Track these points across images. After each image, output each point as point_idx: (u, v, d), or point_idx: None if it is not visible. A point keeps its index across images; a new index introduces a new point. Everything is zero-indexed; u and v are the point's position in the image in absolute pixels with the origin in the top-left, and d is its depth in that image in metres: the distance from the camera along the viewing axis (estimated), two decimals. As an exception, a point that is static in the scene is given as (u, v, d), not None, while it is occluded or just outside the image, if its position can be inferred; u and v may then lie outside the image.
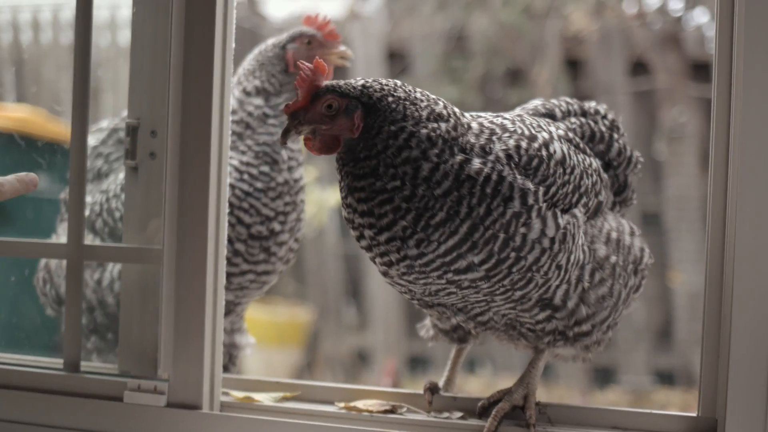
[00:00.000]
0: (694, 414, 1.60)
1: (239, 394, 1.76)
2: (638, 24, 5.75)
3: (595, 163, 1.67)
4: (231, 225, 1.90)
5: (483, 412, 1.67)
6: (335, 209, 5.55)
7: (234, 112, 1.97)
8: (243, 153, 1.95)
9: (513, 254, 1.49)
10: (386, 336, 5.76)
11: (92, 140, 2.25)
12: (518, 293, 1.54)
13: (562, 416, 1.66)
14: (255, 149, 1.96)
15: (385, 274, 1.57)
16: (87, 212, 2.07)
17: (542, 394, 1.75)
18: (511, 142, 1.54)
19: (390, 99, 1.49)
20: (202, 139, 1.71)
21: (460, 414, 1.68)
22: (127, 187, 1.80)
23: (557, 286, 1.56)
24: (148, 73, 1.77)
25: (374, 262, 1.57)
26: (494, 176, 1.49)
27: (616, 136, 1.75)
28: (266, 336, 5.34)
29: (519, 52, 5.67)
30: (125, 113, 2.12)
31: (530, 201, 1.50)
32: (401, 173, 1.46)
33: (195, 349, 1.70)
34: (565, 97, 1.82)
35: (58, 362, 1.84)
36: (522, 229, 1.49)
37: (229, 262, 1.91)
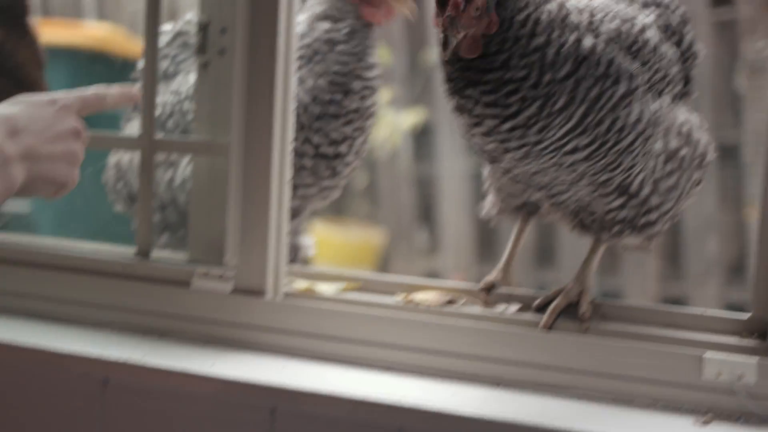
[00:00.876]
0: (747, 314, 1.62)
1: (302, 284, 1.82)
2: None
3: (676, 53, 1.68)
4: (300, 141, 1.94)
5: (539, 309, 1.70)
6: (409, 132, 5.58)
7: (304, 36, 1.99)
8: (318, 76, 1.98)
9: (614, 137, 1.52)
10: (457, 260, 5.80)
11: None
12: (605, 176, 1.56)
13: (616, 314, 1.68)
14: (329, 77, 1.97)
15: (494, 160, 1.59)
16: (158, 111, 2.13)
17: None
18: (613, 25, 1.55)
19: None
20: (269, 36, 1.75)
21: (517, 307, 1.71)
22: (198, 82, 1.85)
23: (638, 173, 1.58)
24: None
25: (482, 150, 1.60)
26: (605, 57, 1.51)
27: (687, 28, 1.74)
28: (339, 256, 5.42)
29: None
30: (189, 16, 2.17)
31: (634, 84, 1.53)
32: (530, 63, 1.48)
33: (260, 238, 1.76)
34: None
35: (129, 251, 1.92)
36: (625, 112, 1.52)
37: (297, 174, 1.96)
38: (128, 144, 1.96)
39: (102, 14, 6.39)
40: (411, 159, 5.89)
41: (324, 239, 2.22)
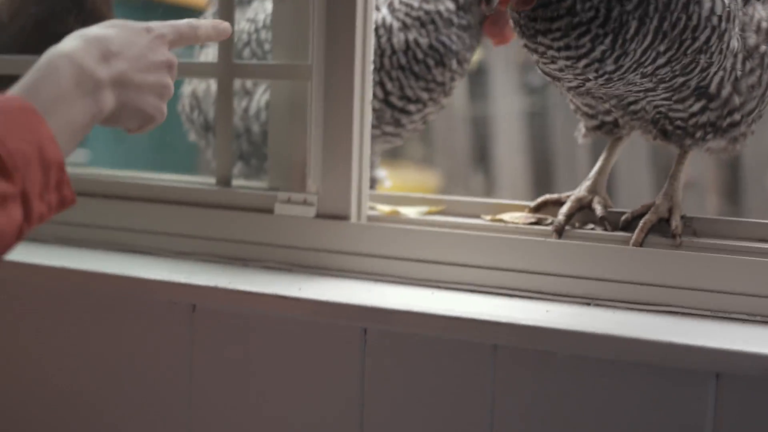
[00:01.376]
0: None
1: (386, 208, 1.80)
2: None
3: None
4: (375, 82, 1.93)
5: (627, 225, 1.67)
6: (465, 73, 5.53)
7: (426, 0, 1.99)
8: (420, 35, 1.98)
9: (689, 34, 1.48)
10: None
11: None
12: (681, 79, 1.53)
13: (708, 229, 1.65)
14: (432, 42, 1.97)
15: (575, 87, 1.57)
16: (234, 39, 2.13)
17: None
18: None
19: None
20: (348, -44, 1.72)
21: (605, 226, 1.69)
22: (275, 4, 1.83)
23: (715, 73, 1.55)
24: None
25: (557, 79, 1.58)
26: None
27: None
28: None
29: None
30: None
31: None
32: (597, 3, 1.45)
33: (343, 162, 1.74)
34: None
35: (210, 180, 1.92)
36: (696, 7, 1.48)
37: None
38: (206, 71, 1.95)
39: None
40: (466, 99, 5.84)
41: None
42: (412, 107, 2.02)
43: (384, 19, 1.98)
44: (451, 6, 2.00)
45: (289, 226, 1.77)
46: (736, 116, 1.62)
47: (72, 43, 1.19)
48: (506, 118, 5.72)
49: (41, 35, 2.25)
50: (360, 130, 1.74)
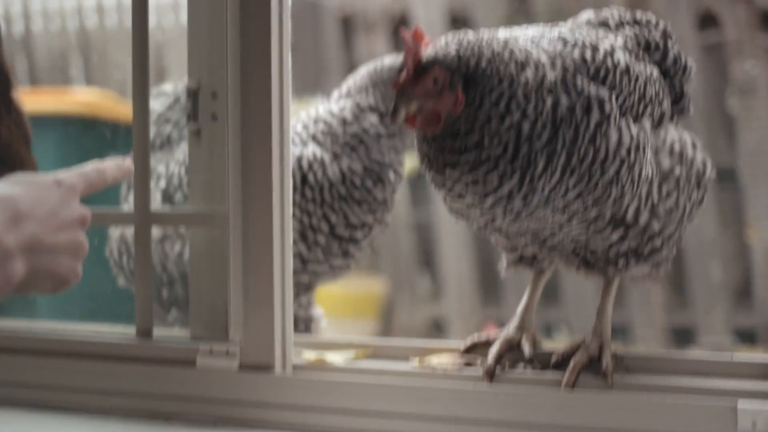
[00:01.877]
0: (777, 358, 1.56)
1: (312, 355, 1.75)
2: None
3: (656, 71, 1.63)
4: (317, 217, 1.91)
5: (558, 366, 1.63)
6: (405, 180, 5.53)
7: (349, 124, 1.99)
8: (352, 161, 1.96)
9: (598, 167, 1.47)
10: (461, 304, 5.73)
11: (157, 105, 2.25)
12: (594, 211, 1.51)
13: (640, 365, 1.62)
14: (365, 164, 1.96)
15: (484, 225, 1.55)
16: (164, 183, 2.08)
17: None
18: (576, 54, 1.50)
19: (484, 63, 1.44)
20: (262, 98, 1.69)
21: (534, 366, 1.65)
22: (191, 150, 1.79)
23: (630, 202, 1.53)
24: (207, 34, 1.75)
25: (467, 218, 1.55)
26: (574, 90, 1.46)
27: (670, 43, 1.69)
28: (341, 308, 5.35)
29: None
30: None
31: (607, 108, 1.47)
32: (505, 140, 1.43)
33: (265, 310, 1.69)
34: (615, 6, 1.78)
35: (130, 331, 1.85)
36: (603, 140, 1.46)
37: (309, 249, 1.93)
38: (123, 219, 1.90)
39: (90, 81, 6.35)
40: (408, 205, 5.83)
41: (325, 291, 2.18)
42: (359, 234, 1.99)
43: (314, 154, 1.95)
44: (374, 119, 1.98)
45: (212, 379, 1.71)
46: (657, 242, 1.61)
47: None
48: (450, 222, 5.70)
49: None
50: (282, 277, 1.70)
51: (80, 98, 4.91)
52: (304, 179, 1.94)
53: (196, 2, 1.76)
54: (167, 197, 2.03)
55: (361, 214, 1.97)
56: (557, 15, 5.74)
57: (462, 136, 1.44)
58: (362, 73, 2.08)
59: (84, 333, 1.91)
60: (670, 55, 1.69)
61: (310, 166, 1.94)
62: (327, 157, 1.96)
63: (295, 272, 1.94)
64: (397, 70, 1.45)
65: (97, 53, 6.54)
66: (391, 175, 2.00)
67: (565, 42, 1.53)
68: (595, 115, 1.46)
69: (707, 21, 5.62)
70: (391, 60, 2.06)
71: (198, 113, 1.76)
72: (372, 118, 2.00)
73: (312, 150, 1.96)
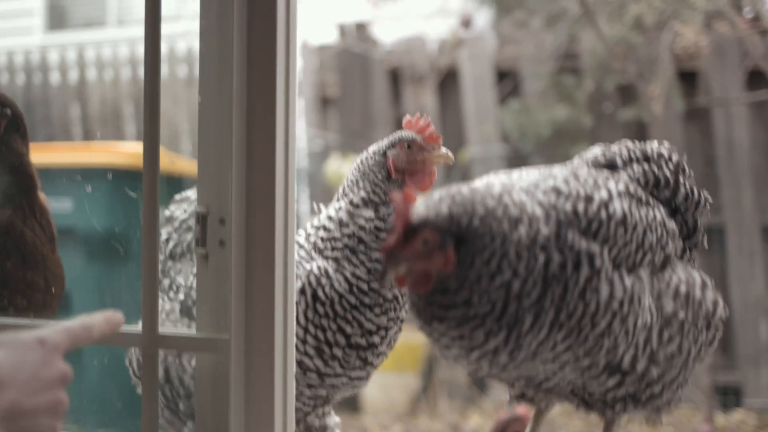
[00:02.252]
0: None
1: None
2: (753, 32, 5.57)
3: (660, 214, 1.61)
4: (332, 331, 1.90)
5: None
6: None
7: (345, 225, 1.97)
8: (355, 266, 1.94)
9: (588, 321, 1.46)
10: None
11: (179, 212, 2.28)
12: (587, 361, 1.50)
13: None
14: (368, 265, 1.94)
15: (474, 371, 1.56)
16: (182, 296, 2.10)
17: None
18: (568, 207, 1.50)
19: (476, 222, 1.45)
20: (267, 227, 1.71)
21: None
22: (199, 274, 1.81)
23: (625, 351, 1.52)
24: (216, 161, 1.78)
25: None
26: (569, 256, 1.46)
27: (682, 179, 1.67)
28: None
29: (630, 68, 5.55)
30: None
31: (597, 263, 1.47)
32: (494, 298, 1.43)
33: (266, 438, 1.70)
34: (627, 141, 1.77)
35: (139, 447, 1.87)
36: (594, 295, 1.46)
37: (326, 363, 1.92)
38: (131, 341, 1.92)
39: (140, 132, 6.44)
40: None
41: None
42: (376, 339, 1.97)
43: (320, 268, 1.95)
44: (369, 213, 1.96)
45: (212, 504, 1.72)
46: (656, 388, 1.59)
47: None
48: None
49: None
50: (283, 408, 1.71)
51: (129, 151, 4.99)
52: (314, 296, 1.93)
53: (205, 131, 1.78)
54: (185, 310, 2.05)
55: (375, 318, 1.95)
56: (604, 71, 5.73)
57: (451, 292, 1.45)
58: (351, 169, 2.08)
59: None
60: (681, 192, 1.68)
61: (318, 281, 1.93)
62: (330, 268, 1.95)
63: (312, 386, 1.95)
64: (388, 232, 1.46)
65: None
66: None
67: (559, 193, 1.53)
68: (585, 271, 1.46)
69: (756, 78, 5.56)
70: (374, 147, 2.05)
71: (206, 239, 1.78)
72: (366, 213, 1.97)
73: (318, 264, 1.96)
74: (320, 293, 1.93)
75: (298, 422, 2.02)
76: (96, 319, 1.35)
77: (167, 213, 2.34)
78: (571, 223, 1.48)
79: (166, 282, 2.15)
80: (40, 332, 1.27)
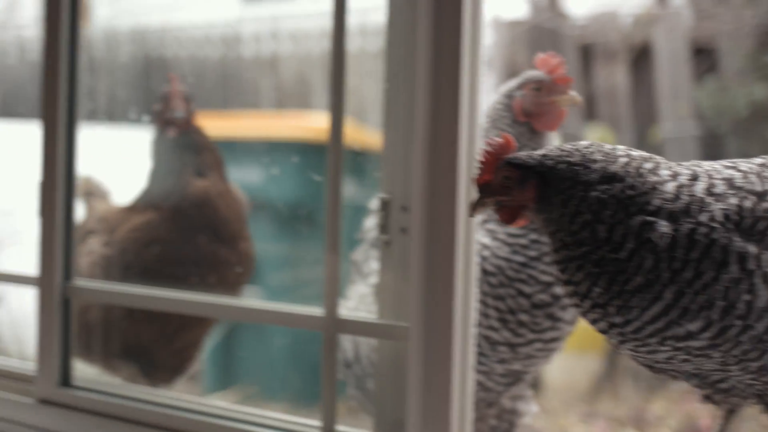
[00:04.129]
0: None
1: (487, 474, 1.74)
2: None
3: None
4: (512, 297, 1.88)
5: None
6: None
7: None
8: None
9: (738, 322, 1.39)
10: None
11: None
12: (754, 365, 1.43)
13: None
14: None
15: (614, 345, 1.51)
16: (374, 280, 2.11)
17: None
18: (733, 200, 1.42)
19: (562, 167, 1.45)
20: (449, 216, 1.70)
21: None
22: (381, 261, 1.82)
23: None
24: (400, 149, 1.78)
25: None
26: (699, 238, 1.39)
27: None
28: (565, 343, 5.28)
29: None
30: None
31: (751, 266, 1.39)
32: (582, 238, 1.42)
33: (442, 426, 1.69)
34: None
35: (314, 423, 1.89)
36: (746, 297, 1.38)
37: (515, 333, 1.89)
38: (312, 323, 1.94)
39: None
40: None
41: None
42: (557, 290, 1.92)
43: (478, 242, 1.91)
44: None
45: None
46: None
47: None
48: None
49: (173, 263, 2.31)
50: (461, 396, 1.70)
51: (318, 124, 5.08)
52: (483, 271, 1.90)
53: (389, 119, 1.78)
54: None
55: (548, 268, 1.90)
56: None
57: (553, 233, 1.46)
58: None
59: (272, 420, 1.96)
60: None
61: (480, 254, 1.90)
62: (486, 239, 1.91)
63: (504, 361, 1.92)
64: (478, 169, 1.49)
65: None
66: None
67: (731, 183, 1.45)
68: (733, 271, 1.39)
69: None
70: (503, 88, 2.00)
71: (389, 225, 1.78)
72: None
73: (478, 241, 1.92)
74: (487, 266, 1.90)
75: (490, 405, 2.00)
76: None
77: (375, 202, 2.35)
78: (728, 217, 1.40)
79: (365, 269, 2.16)
80: None
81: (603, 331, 1.48)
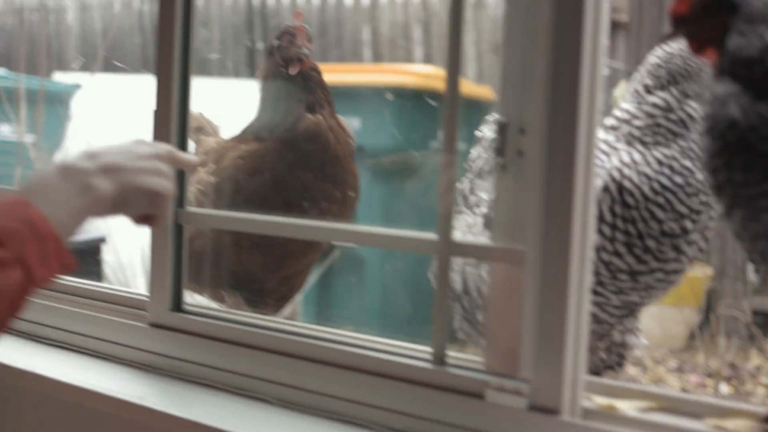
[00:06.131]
0: None
1: (602, 401, 1.71)
2: None
3: None
4: (643, 220, 1.85)
5: None
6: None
7: (672, 110, 1.91)
8: (668, 147, 1.88)
9: None
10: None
11: (489, 132, 2.26)
12: None
13: None
14: (682, 144, 1.88)
15: None
16: (486, 210, 2.09)
17: None
18: None
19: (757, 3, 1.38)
20: (568, 139, 1.66)
21: None
22: (496, 184, 1.79)
23: None
24: (519, 71, 1.74)
25: None
26: None
27: None
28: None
29: None
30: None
31: None
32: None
33: (556, 353, 1.67)
34: None
35: (426, 351, 1.88)
36: None
37: (639, 260, 1.87)
38: (426, 247, 1.92)
39: (428, 59, 6.55)
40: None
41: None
42: (688, 223, 1.89)
43: (622, 159, 1.86)
44: (695, 105, 1.88)
45: (500, 414, 1.72)
46: None
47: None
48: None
49: (279, 192, 2.31)
50: (576, 321, 1.67)
51: (417, 72, 5.06)
52: (620, 189, 1.86)
53: (510, 39, 1.74)
54: (488, 223, 2.03)
55: (686, 200, 1.87)
56: None
57: None
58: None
59: (384, 347, 1.95)
60: None
61: (621, 172, 1.86)
62: (638, 155, 1.87)
63: (622, 292, 1.89)
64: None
65: (437, 26, 6.70)
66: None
67: None
68: None
69: None
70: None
71: (505, 148, 1.75)
72: (694, 103, 1.89)
73: (620, 155, 1.89)
74: (627, 184, 1.86)
75: (601, 337, 1.98)
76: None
77: (479, 134, 2.33)
78: None
79: (472, 199, 2.14)
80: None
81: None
